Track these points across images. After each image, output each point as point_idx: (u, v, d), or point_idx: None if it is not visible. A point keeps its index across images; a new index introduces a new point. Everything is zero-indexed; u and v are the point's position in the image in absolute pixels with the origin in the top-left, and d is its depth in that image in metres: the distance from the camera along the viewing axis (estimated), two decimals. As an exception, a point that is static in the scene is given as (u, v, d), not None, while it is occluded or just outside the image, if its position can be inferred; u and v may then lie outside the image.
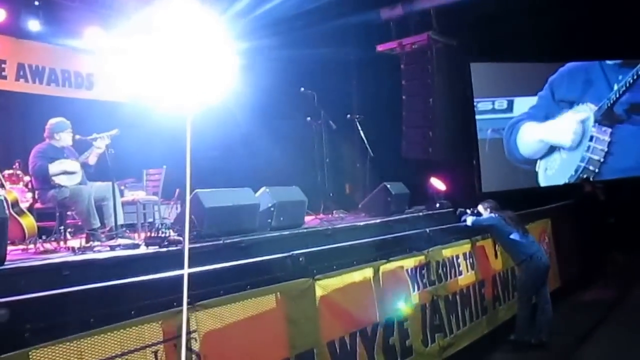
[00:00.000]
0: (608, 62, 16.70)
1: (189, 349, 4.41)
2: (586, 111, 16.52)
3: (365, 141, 11.65)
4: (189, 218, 7.03)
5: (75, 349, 3.79)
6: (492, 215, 9.20)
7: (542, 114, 16.43)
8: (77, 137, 8.55)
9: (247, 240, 7.10)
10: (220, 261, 6.56)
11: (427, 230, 8.38)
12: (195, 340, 4.58)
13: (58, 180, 8.11)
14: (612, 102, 16.54)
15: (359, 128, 11.74)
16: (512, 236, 8.96)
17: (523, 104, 16.37)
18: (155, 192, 10.08)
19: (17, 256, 6.38)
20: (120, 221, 8.39)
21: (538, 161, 16.47)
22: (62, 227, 7.98)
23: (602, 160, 16.50)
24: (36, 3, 11.52)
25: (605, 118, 16.55)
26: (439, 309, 7.90)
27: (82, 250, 6.77)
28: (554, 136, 16.44)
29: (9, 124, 11.37)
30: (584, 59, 16.63)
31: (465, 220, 9.31)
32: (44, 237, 7.65)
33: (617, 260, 13.79)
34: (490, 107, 16.17)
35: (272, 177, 12.61)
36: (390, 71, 15.16)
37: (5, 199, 7.63)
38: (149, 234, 7.04)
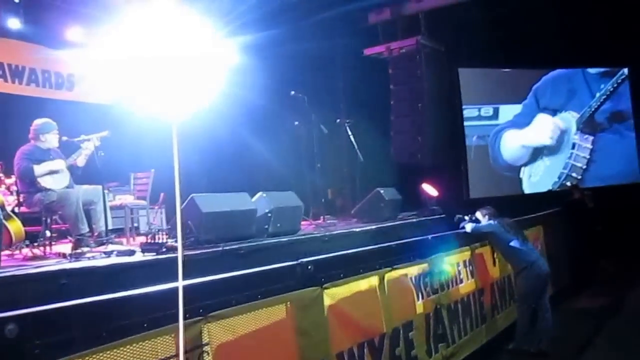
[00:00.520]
0: (590, 71, 16.85)
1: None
2: (569, 119, 16.58)
3: (356, 146, 11.40)
4: (185, 223, 6.81)
5: (89, 365, 3.52)
6: (491, 222, 9.01)
7: (526, 122, 16.52)
8: (65, 138, 8.28)
9: (245, 247, 6.84)
10: (220, 269, 6.32)
11: (430, 237, 8.16)
12: (208, 353, 4.31)
13: (44, 182, 7.80)
14: (593, 110, 16.70)
15: (349, 133, 11.49)
16: (512, 243, 8.77)
17: (508, 111, 16.41)
18: (143, 196, 9.78)
19: (5, 262, 6.06)
20: (110, 226, 8.11)
21: (522, 168, 16.50)
22: (47, 232, 7.67)
23: (584, 167, 16.63)
24: (16, 1, 11.18)
25: (587, 126, 16.70)
26: (442, 318, 7.72)
27: (76, 256, 6.46)
28: (533, 138, 16.51)
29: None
30: (571, 66, 16.67)
31: (464, 227, 9.10)
32: (27, 243, 7.35)
33: (606, 268, 13.71)
34: (476, 113, 16.16)
35: (259, 181, 12.43)
36: (377, 75, 14.94)
37: (2, 205, 7.36)
38: (145, 240, 6.71)
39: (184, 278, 5.93)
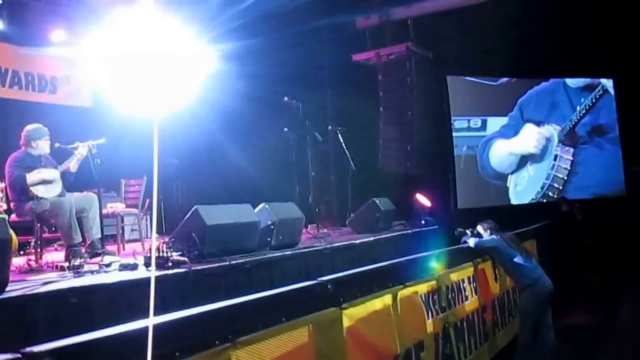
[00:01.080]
0: (571, 85, 17.13)
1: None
2: (551, 131, 16.86)
3: (348, 154, 11.19)
4: (189, 235, 6.55)
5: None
6: (494, 236, 8.79)
7: (512, 132, 16.74)
8: (57, 145, 7.97)
9: (251, 262, 6.64)
10: (227, 284, 6.09)
11: (437, 252, 7.93)
12: (237, 384, 4.04)
13: (36, 191, 7.49)
14: (573, 123, 17.00)
15: (341, 140, 11.27)
16: (516, 259, 8.53)
17: (496, 123, 16.61)
18: (134, 204, 9.49)
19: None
20: (101, 234, 7.81)
21: (509, 176, 16.65)
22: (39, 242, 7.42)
23: (565, 178, 16.82)
24: (-1, 2, 10.87)
25: (568, 138, 17.00)
26: (450, 337, 7.46)
27: (74, 269, 6.18)
28: (520, 146, 16.72)
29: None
30: (557, 75, 16.79)
31: (465, 242, 8.89)
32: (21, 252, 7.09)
33: (593, 281, 13.62)
34: (466, 125, 16.33)
35: (247, 189, 12.17)
36: (365, 81, 14.73)
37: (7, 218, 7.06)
38: (148, 253, 6.42)
39: (195, 294, 5.68)
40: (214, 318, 3.95)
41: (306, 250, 7.90)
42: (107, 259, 6.89)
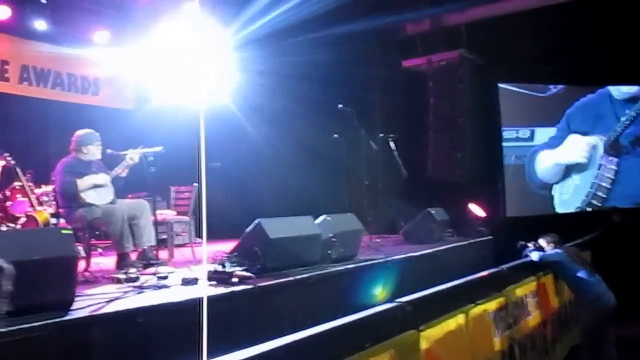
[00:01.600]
0: (617, 97, 16.85)
1: None
2: (596, 140, 16.61)
3: (400, 162, 10.87)
4: (251, 249, 6.28)
5: None
6: (557, 250, 8.47)
7: (558, 143, 16.56)
8: (109, 151, 7.74)
9: (314, 277, 6.36)
10: (290, 300, 5.84)
11: (505, 267, 7.60)
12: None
13: (87, 197, 7.27)
14: (618, 134, 16.73)
15: (393, 148, 10.95)
16: (579, 274, 8.21)
17: (543, 134, 16.46)
18: (184, 211, 9.25)
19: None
20: (153, 242, 7.61)
21: (554, 186, 16.39)
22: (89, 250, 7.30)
23: (609, 187, 16.51)
24: (43, 1, 10.81)
25: (612, 148, 16.73)
26: (515, 355, 7.16)
27: (130, 281, 5.95)
28: (566, 156, 16.51)
29: (12, 129, 10.41)
30: (608, 83, 16.44)
31: (528, 255, 8.56)
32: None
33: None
34: (514, 135, 16.21)
35: (295, 196, 11.95)
36: (415, 88, 14.40)
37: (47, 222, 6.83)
38: (212, 268, 6.12)
39: (260, 310, 5.40)
40: (302, 346, 3.67)
41: (366, 263, 7.60)
42: (161, 270, 6.60)
